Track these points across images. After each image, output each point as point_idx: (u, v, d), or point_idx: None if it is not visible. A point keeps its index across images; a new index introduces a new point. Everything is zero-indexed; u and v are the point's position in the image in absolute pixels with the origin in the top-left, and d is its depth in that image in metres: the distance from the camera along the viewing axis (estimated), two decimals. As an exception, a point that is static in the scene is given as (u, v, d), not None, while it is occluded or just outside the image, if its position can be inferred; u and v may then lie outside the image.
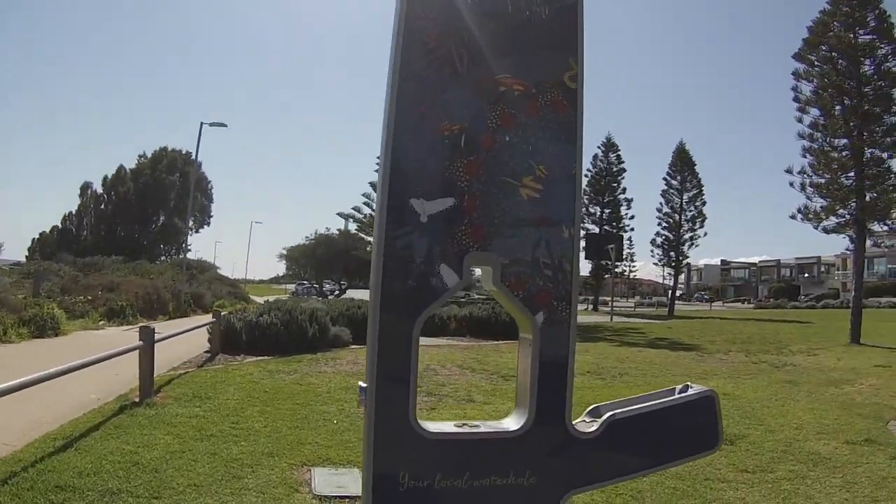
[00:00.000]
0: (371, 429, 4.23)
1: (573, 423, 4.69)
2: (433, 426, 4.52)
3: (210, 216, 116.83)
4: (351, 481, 8.47)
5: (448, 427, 4.59)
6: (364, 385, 4.29)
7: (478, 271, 4.52)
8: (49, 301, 31.42)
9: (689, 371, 19.20)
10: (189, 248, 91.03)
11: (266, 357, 20.74)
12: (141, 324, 32.97)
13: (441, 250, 4.33)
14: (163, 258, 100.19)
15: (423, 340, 22.43)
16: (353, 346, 24.00)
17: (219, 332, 21.98)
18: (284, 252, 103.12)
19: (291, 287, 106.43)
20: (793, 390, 15.72)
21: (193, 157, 57.35)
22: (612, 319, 50.46)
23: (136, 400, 13.10)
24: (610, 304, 61.77)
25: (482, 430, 4.55)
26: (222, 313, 23.90)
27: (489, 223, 4.38)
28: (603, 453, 4.69)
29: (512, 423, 4.62)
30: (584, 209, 71.78)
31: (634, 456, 4.82)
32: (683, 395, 5.07)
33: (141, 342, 13.44)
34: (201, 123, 48.95)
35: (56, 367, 9.99)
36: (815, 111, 35.03)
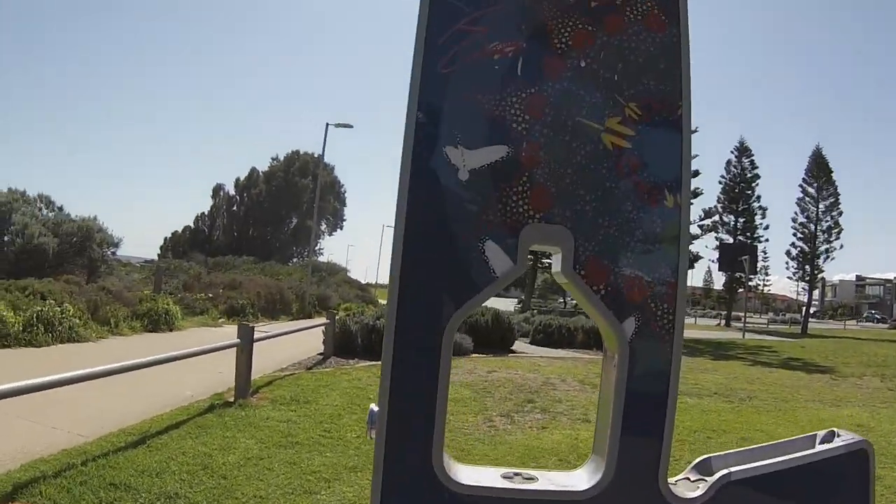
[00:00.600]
0: (380, 470, 3.16)
1: (671, 482, 3.40)
2: (469, 473, 3.39)
3: (343, 219, 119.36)
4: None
5: (490, 476, 3.42)
6: (376, 408, 3.22)
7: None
8: (168, 297, 31.54)
9: (821, 396, 17.79)
10: (321, 251, 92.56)
11: (380, 362, 19.50)
12: (262, 323, 33.13)
13: (487, 221, 3.12)
14: (294, 260, 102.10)
15: (545, 351, 21.45)
16: (474, 355, 23.05)
17: (332, 334, 21.13)
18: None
19: None
20: None
21: (321, 157, 57.49)
22: (744, 336, 49.06)
23: (230, 400, 12.55)
24: (742, 320, 59.92)
25: (539, 486, 3.30)
26: (337, 315, 23.21)
27: (557, 183, 3.15)
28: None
29: (583, 478, 3.36)
30: (717, 217, 70.59)
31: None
32: (826, 446, 3.74)
33: (238, 339, 12.89)
34: (326, 124, 48.58)
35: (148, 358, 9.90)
36: None
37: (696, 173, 58.29)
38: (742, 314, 63.88)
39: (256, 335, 13.45)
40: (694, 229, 58.73)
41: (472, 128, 3.15)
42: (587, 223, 3.17)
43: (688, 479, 3.66)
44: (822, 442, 3.83)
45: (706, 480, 3.44)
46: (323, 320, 22.71)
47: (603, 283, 3.18)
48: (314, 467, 8.74)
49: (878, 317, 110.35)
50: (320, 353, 20.83)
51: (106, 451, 8.68)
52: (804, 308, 76.43)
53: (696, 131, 60.39)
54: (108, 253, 46.44)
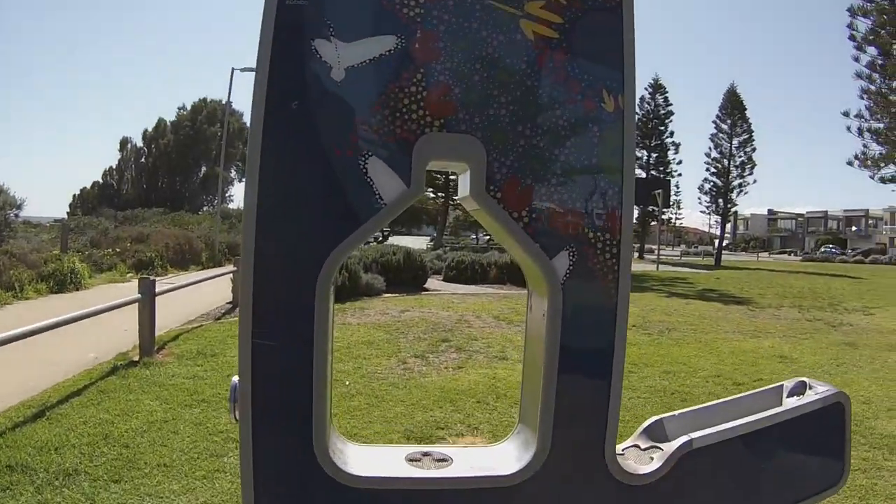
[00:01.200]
0: (248, 462, 2.48)
1: (618, 452, 2.80)
2: (366, 459, 2.70)
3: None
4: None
5: (393, 461, 2.75)
6: (237, 380, 2.49)
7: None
8: (73, 255, 30.60)
9: (740, 328, 17.62)
10: (231, 197, 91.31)
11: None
12: (171, 275, 32.33)
13: (370, 132, 2.44)
14: (205, 209, 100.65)
15: (458, 288, 21.04)
16: (387, 295, 22.41)
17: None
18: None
19: None
20: (853, 354, 14.01)
21: (227, 104, 56.32)
22: (658, 268, 49.34)
23: (135, 359, 11.63)
24: (656, 252, 60.27)
25: (454, 470, 2.66)
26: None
27: (463, 82, 2.48)
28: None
29: (510, 457, 2.73)
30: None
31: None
32: (798, 400, 3.24)
33: (139, 294, 11.89)
34: (232, 69, 47.39)
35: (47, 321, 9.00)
36: (872, 50, 33.38)
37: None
38: (655, 247, 64.44)
39: (159, 288, 12.79)
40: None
41: (349, 14, 2.46)
42: (503, 132, 2.49)
43: (637, 446, 3.05)
44: (791, 394, 3.38)
45: (660, 448, 2.87)
46: (231, 268, 22.11)
47: (526, 209, 2.51)
48: (220, 426, 8.09)
49: (837, 251, 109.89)
50: (229, 302, 19.96)
51: (2, 429, 8.00)
52: (717, 241, 77.43)
53: None
54: (12, 215, 45.13)
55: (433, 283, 27.61)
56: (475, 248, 53.08)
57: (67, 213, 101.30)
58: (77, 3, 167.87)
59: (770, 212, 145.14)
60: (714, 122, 71.01)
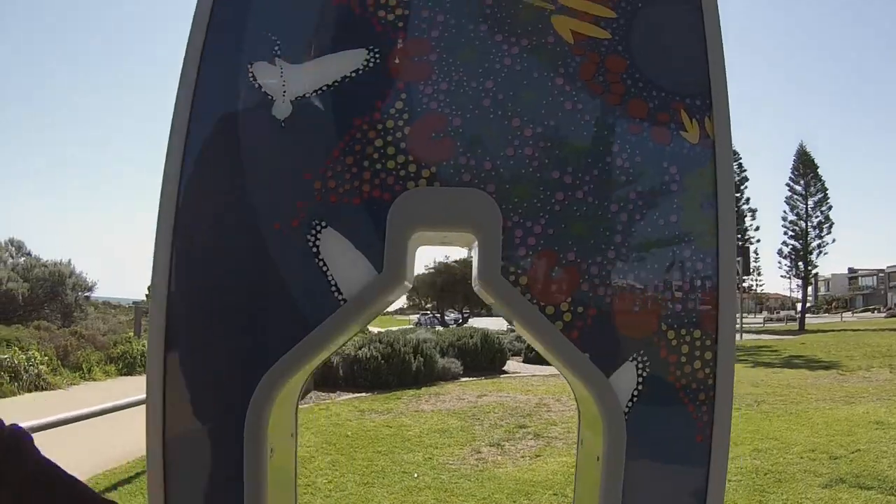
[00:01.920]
0: None
1: None
2: None
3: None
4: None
5: None
6: None
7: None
8: (146, 338, 30.94)
9: (831, 394, 17.10)
10: None
11: (364, 394, 18.95)
12: None
13: (323, 189, 1.64)
14: None
15: (538, 370, 20.78)
16: (464, 379, 22.06)
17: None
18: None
19: (415, 318, 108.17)
20: None
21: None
22: (741, 337, 48.82)
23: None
24: (739, 321, 59.58)
25: None
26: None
27: (466, 109, 1.66)
28: None
29: None
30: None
31: None
32: None
33: None
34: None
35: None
36: None
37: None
38: (738, 316, 63.84)
39: None
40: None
41: (301, 24, 1.71)
42: (529, 183, 1.64)
43: None
44: None
45: None
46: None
47: (567, 301, 1.63)
48: None
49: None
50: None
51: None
52: (798, 304, 76.90)
53: None
54: (83, 296, 45.91)
55: (512, 364, 27.25)
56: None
57: (146, 295, 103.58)
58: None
59: (850, 270, 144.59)
60: (787, 184, 71.34)
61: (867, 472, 9.19)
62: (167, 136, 1.64)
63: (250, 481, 1.58)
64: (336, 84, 1.65)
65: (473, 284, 1.73)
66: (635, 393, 1.62)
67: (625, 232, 1.61)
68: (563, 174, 1.60)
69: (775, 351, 35.58)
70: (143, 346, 27.07)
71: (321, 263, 1.61)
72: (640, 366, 1.62)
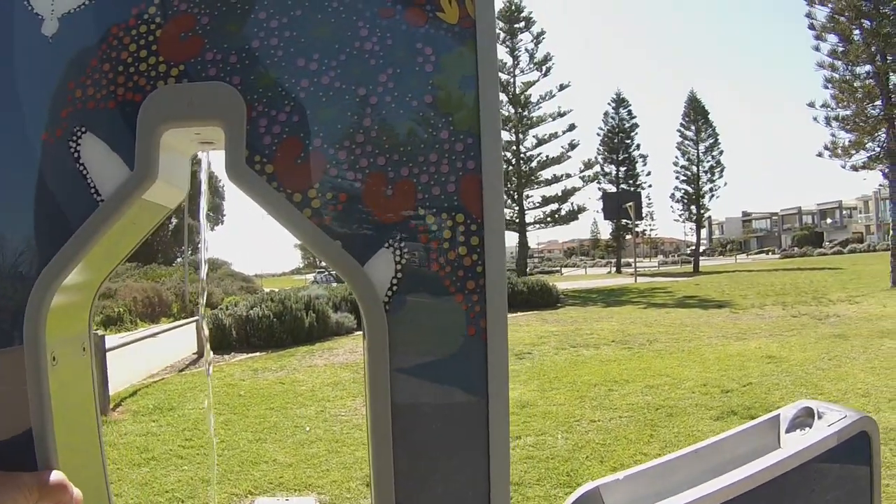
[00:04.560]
0: None
1: None
2: None
3: (223, 214, 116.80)
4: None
5: None
6: None
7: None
8: None
9: (724, 331, 17.51)
10: (203, 246, 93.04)
11: (258, 353, 19.06)
12: (141, 328, 32.10)
13: (84, 98, 1.62)
14: (178, 260, 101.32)
15: None
16: (357, 333, 22.04)
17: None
18: (299, 242, 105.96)
19: (311, 276, 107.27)
20: (844, 346, 14.00)
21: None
22: (636, 280, 49.69)
23: (88, 420, 11.29)
24: (633, 265, 60.39)
25: None
26: (208, 310, 22.25)
27: (213, 5, 1.63)
28: None
29: None
30: (598, 168, 71.01)
31: None
32: (802, 434, 2.46)
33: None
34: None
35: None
36: (832, 38, 33.34)
37: (572, 126, 59.07)
38: (632, 259, 64.74)
39: (118, 342, 12.62)
40: (574, 182, 59.53)
41: None
42: (275, 73, 1.62)
43: None
44: (792, 427, 2.57)
45: None
46: (195, 317, 21.77)
47: (314, 187, 1.61)
48: (168, 485, 8.05)
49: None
50: (195, 353, 19.67)
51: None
52: (693, 247, 77.82)
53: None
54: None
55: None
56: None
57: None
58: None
59: (744, 213, 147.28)
60: (679, 130, 72.85)
61: (758, 404, 9.64)
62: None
63: (32, 387, 1.56)
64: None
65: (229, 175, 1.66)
66: (394, 281, 1.59)
67: (374, 115, 1.60)
68: (309, 61, 1.59)
69: (669, 292, 36.26)
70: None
71: (82, 168, 1.59)
72: (397, 252, 1.59)
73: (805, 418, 2.51)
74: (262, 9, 1.61)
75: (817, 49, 33.45)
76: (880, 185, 34.47)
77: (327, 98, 1.60)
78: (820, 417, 2.45)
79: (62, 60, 1.62)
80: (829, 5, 32.76)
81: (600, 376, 12.16)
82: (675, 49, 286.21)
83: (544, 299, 29.97)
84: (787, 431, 2.52)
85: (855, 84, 32.88)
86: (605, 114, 77.49)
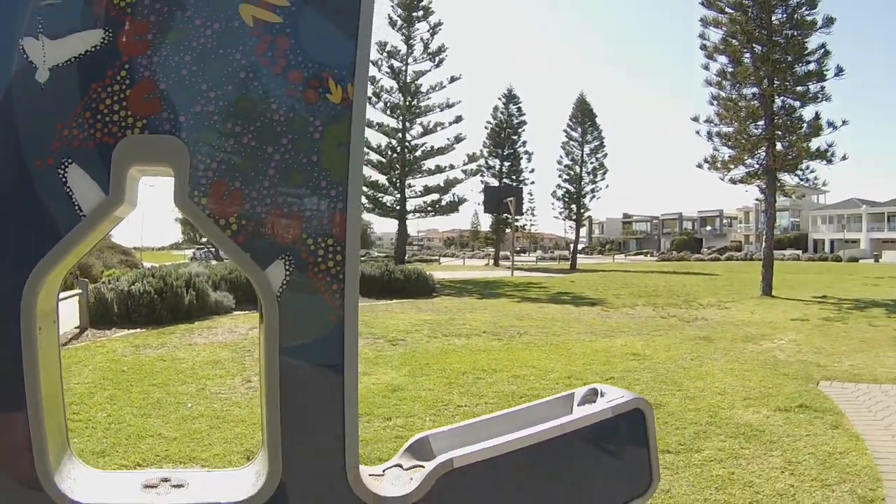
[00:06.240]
0: None
1: (376, 471, 2.74)
2: (99, 484, 2.54)
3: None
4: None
5: (127, 486, 2.57)
6: None
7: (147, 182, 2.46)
8: None
9: (593, 328, 17.79)
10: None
11: (139, 329, 18.60)
12: None
13: (71, 137, 2.28)
14: None
15: None
16: (236, 313, 21.74)
17: (87, 304, 19.69)
18: (180, 216, 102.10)
19: (190, 252, 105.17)
20: (708, 348, 14.42)
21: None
22: (512, 274, 49.67)
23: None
24: (511, 258, 60.86)
25: (187, 496, 2.49)
26: (89, 283, 21.92)
27: (169, 77, 2.33)
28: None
29: (247, 480, 2.59)
30: (482, 161, 71.32)
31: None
32: (588, 407, 3.06)
33: None
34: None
35: None
36: (722, 59, 34.08)
37: (459, 118, 59.14)
38: (510, 253, 65.18)
39: None
40: (457, 173, 59.49)
41: (58, 8, 2.28)
42: (210, 132, 2.34)
43: (399, 465, 2.89)
44: (582, 402, 3.18)
45: (423, 467, 2.68)
46: (77, 291, 21.45)
47: (234, 216, 2.36)
48: None
49: None
50: (77, 327, 19.39)
51: None
52: (572, 245, 78.60)
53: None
54: None
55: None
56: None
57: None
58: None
59: (625, 215, 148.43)
60: (565, 130, 72.50)
61: None
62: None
63: (26, 348, 2.27)
64: (80, 56, 2.26)
65: (177, 204, 2.38)
66: (284, 283, 2.36)
67: (277, 167, 2.33)
68: (235, 125, 2.30)
69: (544, 287, 36.03)
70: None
71: (69, 190, 2.26)
72: (287, 263, 2.36)
73: (592, 396, 3.16)
74: (203, 82, 2.30)
75: (706, 67, 34.20)
76: (757, 200, 35.59)
77: (245, 153, 2.33)
78: (602, 395, 3.10)
79: (52, 104, 2.26)
80: (723, 28, 33.61)
81: (470, 364, 12.45)
82: (569, 49, 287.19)
83: (420, 288, 29.80)
84: (578, 405, 3.16)
85: (740, 104, 33.67)
86: (495, 108, 78.80)
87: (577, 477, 2.89)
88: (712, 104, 34.54)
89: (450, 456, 2.62)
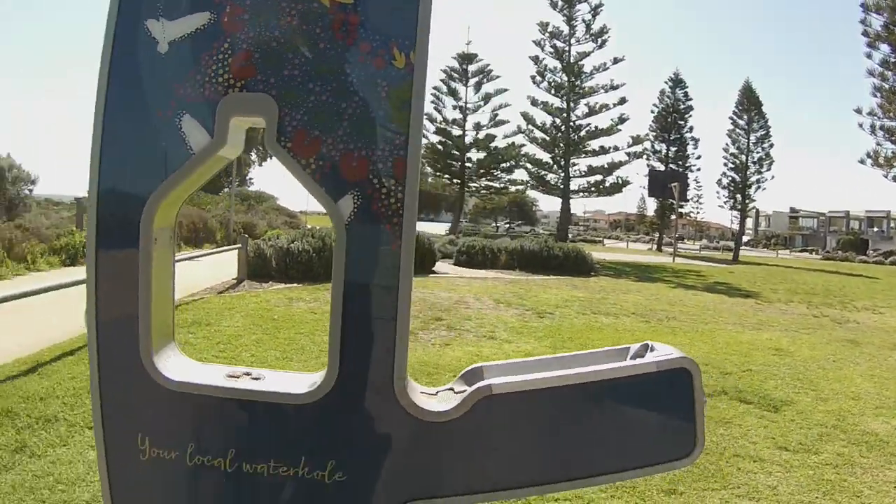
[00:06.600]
0: (95, 367, 2.96)
1: (431, 391, 3.14)
2: (190, 371, 3.08)
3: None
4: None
5: (213, 375, 3.09)
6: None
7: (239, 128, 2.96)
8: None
9: (742, 320, 17.60)
10: (251, 180, 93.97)
11: (295, 284, 19.80)
12: (185, 252, 32.77)
13: (185, 94, 2.88)
14: (226, 190, 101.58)
15: (466, 272, 21.06)
16: None
17: (246, 258, 20.80)
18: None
19: None
20: (853, 351, 13.99)
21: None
22: (674, 260, 49.07)
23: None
24: (673, 244, 60.28)
25: (261, 386, 2.98)
26: (250, 240, 22.85)
27: (262, 48, 2.88)
28: (465, 449, 2.98)
29: (311, 380, 3.06)
30: (647, 144, 70.29)
31: (520, 461, 3.03)
32: (636, 361, 3.19)
33: None
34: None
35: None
36: (885, 47, 32.74)
37: (624, 100, 58.71)
38: (673, 240, 64.35)
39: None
40: (621, 155, 59.08)
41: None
42: (295, 90, 2.87)
43: (452, 389, 3.24)
44: (634, 356, 3.30)
45: (464, 391, 3.02)
46: (238, 245, 22.36)
47: (313, 157, 2.85)
48: None
49: None
50: (235, 278, 20.60)
51: (-3, 381, 8.71)
52: (736, 236, 76.80)
53: None
54: (26, 191, 46.04)
55: (442, 266, 28.39)
56: (488, 234, 53.36)
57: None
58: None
59: (792, 209, 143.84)
60: (731, 117, 70.84)
61: (751, 389, 9.94)
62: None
63: (142, 253, 2.91)
64: (192, 33, 2.89)
65: (269, 147, 2.95)
66: (352, 213, 2.84)
67: (349, 119, 2.84)
68: (315, 85, 2.84)
69: (703, 276, 35.34)
70: (84, 237, 27.40)
71: (183, 134, 2.88)
72: (356, 197, 2.84)
73: (643, 351, 3.31)
74: (290, 51, 2.87)
75: (869, 56, 32.87)
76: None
77: (323, 108, 2.86)
78: (652, 351, 3.24)
79: (171, 70, 2.91)
80: (884, 14, 32.12)
81: (611, 342, 12.30)
82: (738, 41, 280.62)
83: (579, 266, 30.11)
84: (630, 358, 3.31)
85: (905, 96, 32.20)
86: (661, 92, 76.47)
87: (612, 426, 3.07)
88: (875, 96, 33.00)
89: (489, 382, 2.95)
